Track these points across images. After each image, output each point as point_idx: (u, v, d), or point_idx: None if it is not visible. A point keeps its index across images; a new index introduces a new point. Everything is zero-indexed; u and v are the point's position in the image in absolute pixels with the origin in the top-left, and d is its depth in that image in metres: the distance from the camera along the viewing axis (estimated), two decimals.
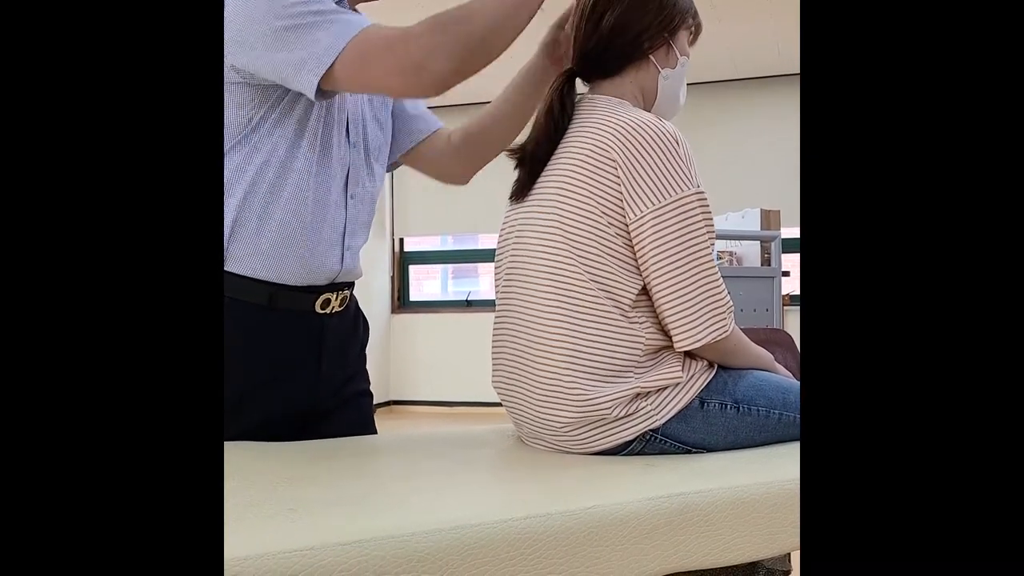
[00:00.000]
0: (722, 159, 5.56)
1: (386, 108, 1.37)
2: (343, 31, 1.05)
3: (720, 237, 3.48)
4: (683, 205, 1.08)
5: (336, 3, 1.12)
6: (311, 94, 1.08)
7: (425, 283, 6.71)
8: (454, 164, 1.40)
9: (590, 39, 1.18)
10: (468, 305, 6.38)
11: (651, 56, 1.18)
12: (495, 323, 1.21)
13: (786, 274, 3.54)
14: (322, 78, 1.06)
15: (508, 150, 1.22)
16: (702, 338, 1.08)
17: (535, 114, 1.21)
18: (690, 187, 1.08)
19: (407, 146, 1.39)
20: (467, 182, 1.46)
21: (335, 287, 1.26)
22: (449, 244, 6.66)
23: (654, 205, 1.07)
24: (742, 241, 3.61)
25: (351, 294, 1.32)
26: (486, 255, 6.44)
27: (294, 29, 1.05)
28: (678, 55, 1.20)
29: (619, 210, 1.08)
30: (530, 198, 1.16)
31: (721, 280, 1.10)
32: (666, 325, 1.10)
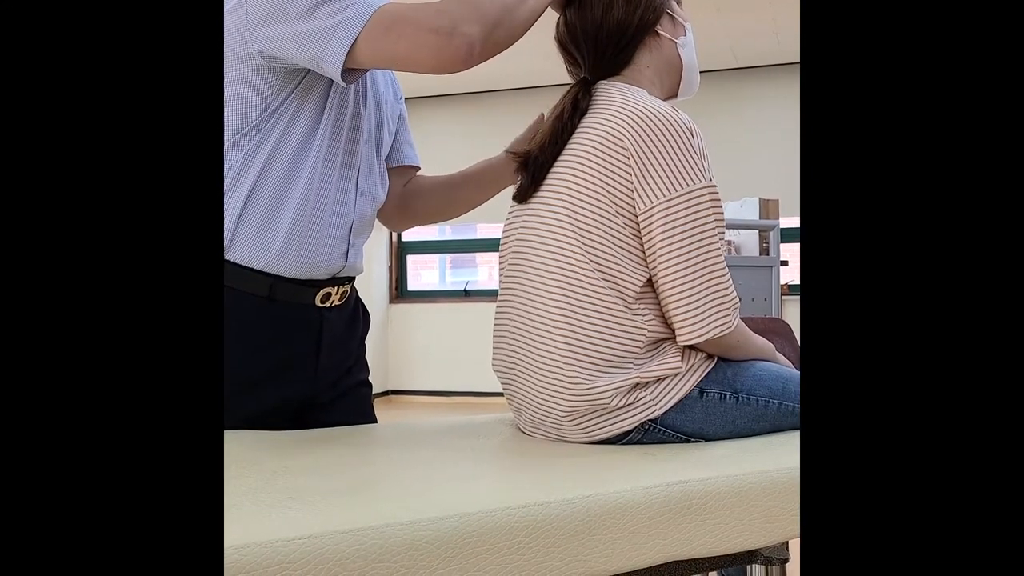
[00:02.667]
0: (721, 148, 5.56)
1: (394, 116, 1.39)
2: (371, 2, 1.08)
3: None
4: (694, 197, 1.07)
5: None
6: (338, 68, 1.08)
7: (423, 273, 6.71)
8: (395, 206, 1.45)
9: (598, 51, 1.17)
10: (466, 295, 6.38)
11: (660, 32, 1.18)
12: (498, 304, 1.20)
13: (784, 263, 3.54)
14: (348, 53, 1.07)
15: (512, 153, 1.20)
16: (706, 333, 1.07)
17: (546, 119, 1.19)
18: (702, 180, 1.07)
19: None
20: (399, 230, 1.52)
21: (336, 281, 1.25)
22: (447, 234, 6.66)
23: (665, 196, 1.06)
24: (741, 230, 3.61)
25: (352, 287, 1.32)
26: (484, 245, 6.44)
27: (326, 2, 1.08)
28: (682, 21, 1.20)
29: (629, 199, 1.07)
30: (540, 188, 1.15)
31: (728, 275, 1.09)
32: (670, 318, 1.09)
